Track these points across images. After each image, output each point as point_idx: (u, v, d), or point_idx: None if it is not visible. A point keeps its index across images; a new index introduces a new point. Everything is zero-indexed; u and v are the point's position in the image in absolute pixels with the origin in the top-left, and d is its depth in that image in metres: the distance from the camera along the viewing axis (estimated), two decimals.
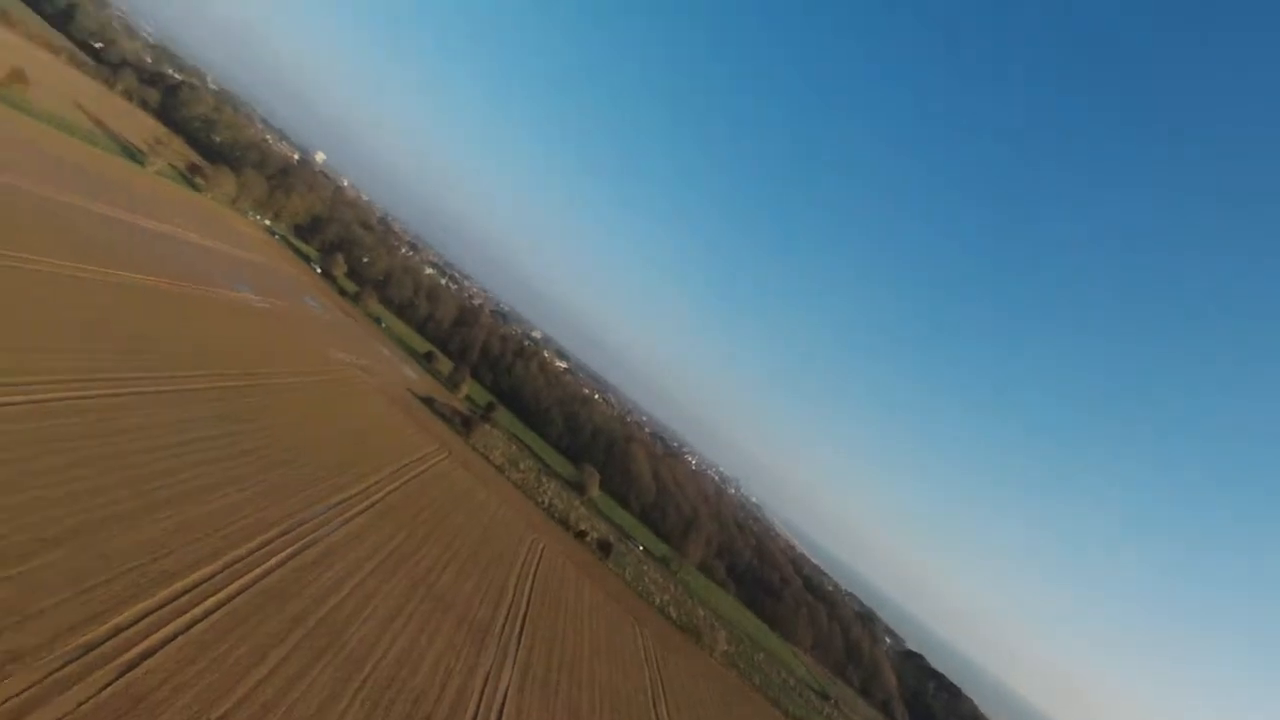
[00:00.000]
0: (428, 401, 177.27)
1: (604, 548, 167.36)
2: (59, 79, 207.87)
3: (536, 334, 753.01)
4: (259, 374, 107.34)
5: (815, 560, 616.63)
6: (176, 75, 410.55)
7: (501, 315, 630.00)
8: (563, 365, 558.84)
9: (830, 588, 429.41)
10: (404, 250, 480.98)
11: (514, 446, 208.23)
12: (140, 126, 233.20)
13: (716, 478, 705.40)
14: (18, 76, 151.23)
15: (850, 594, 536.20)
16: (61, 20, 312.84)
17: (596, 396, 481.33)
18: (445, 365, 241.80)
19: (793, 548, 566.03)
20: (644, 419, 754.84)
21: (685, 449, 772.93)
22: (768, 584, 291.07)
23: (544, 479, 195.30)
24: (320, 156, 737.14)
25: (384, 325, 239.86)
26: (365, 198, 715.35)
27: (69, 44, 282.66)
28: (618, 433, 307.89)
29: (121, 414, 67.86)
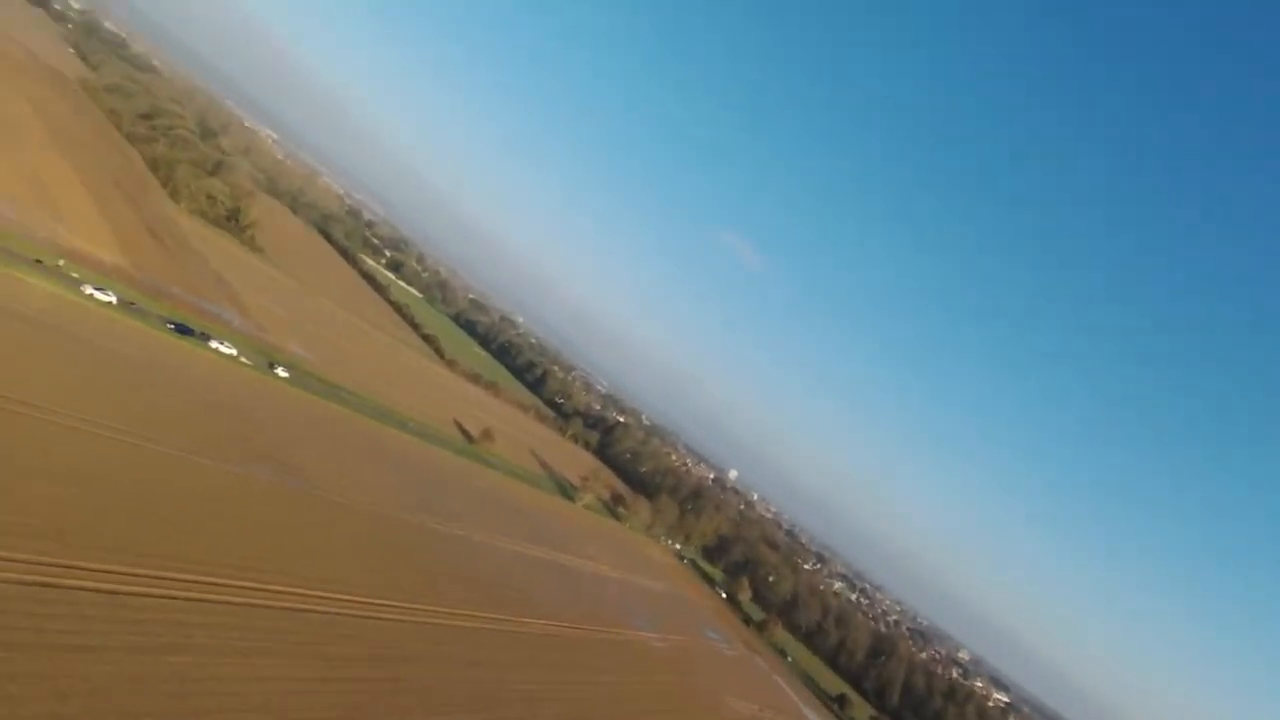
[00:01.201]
0: None
1: None
2: (522, 431, 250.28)
3: (964, 655, 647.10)
4: None
5: None
6: (618, 417, 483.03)
7: (920, 634, 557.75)
8: (1002, 699, 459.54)
9: None
10: (810, 564, 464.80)
11: None
12: (579, 464, 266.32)
13: None
14: (487, 436, 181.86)
15: None
16: (536, 384, 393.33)
17: None
18: (861, 711, 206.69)
19: None
20: None
21: None
22: None
23: None
24: (733, 474, 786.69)
25: (790, 659, 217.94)
26: (772, 510, 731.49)
27: (538, 402, 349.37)
28: None
29: None
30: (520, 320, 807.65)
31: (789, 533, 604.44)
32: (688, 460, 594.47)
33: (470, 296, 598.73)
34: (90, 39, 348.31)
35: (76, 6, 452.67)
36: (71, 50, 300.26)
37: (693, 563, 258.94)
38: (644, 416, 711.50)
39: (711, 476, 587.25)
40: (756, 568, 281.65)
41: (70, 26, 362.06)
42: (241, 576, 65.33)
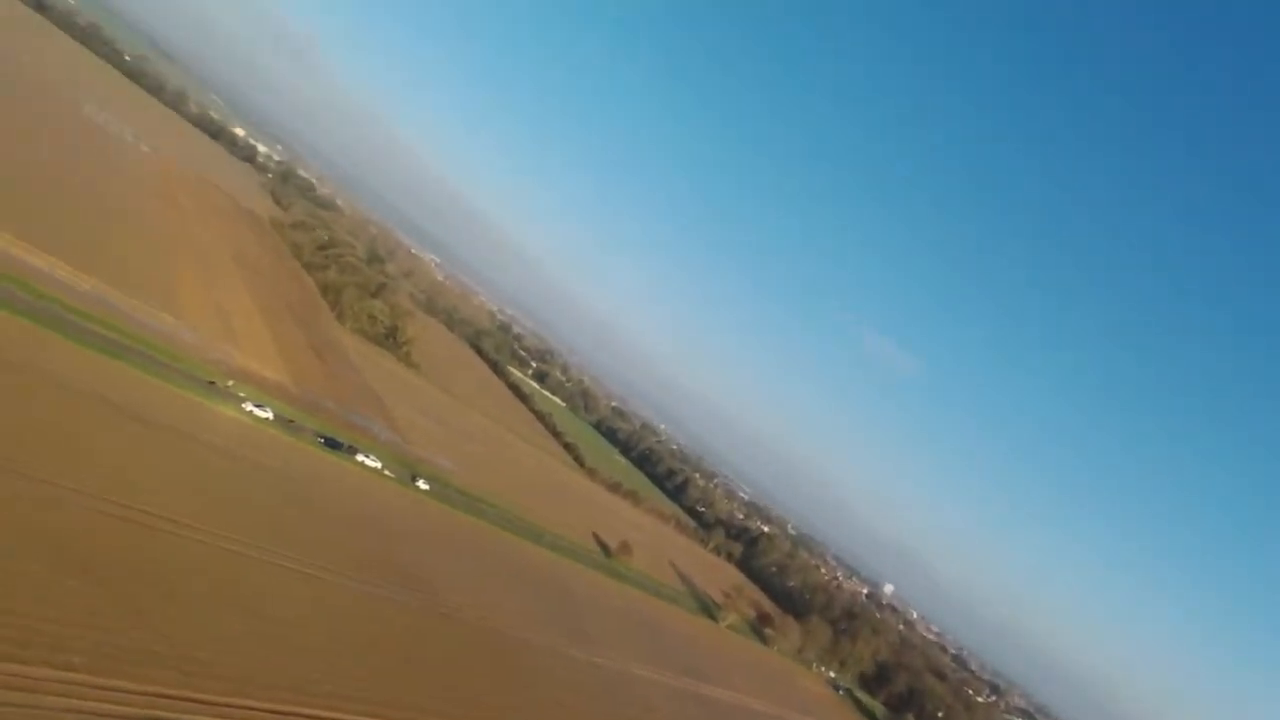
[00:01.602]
0: None
1: None
2: (662, 542, 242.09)
3: None
4: None
5: None
6: (762, 526, 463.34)
7: None
8: None
9: None
10: (984, 696, 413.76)
11: None
12: (722, 578, 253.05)
13: None
14: (624, 549, 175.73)
15: None
16: (676, 492, 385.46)
17: None
18: None
19: None
20: None
21: None
22: None
23: None
24: (889, 588, 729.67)
25: None
26: (935, 630, 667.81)
27: (678, 510, 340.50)
28: None
29: None
30: (662, 427, 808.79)
31: (956, 657, 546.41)
32: (838, 573, 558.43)
33: (612, 404, 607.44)
34: (285, 184, 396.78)
35: (276, 159, 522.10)
36: (269, 195, 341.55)
37: (849, 693, 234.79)
38: (789, 525, 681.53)
39: (865, 592, 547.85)
40: (923, 701, 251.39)
41: (270, 175, 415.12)
42: (362, 710, 61.60)
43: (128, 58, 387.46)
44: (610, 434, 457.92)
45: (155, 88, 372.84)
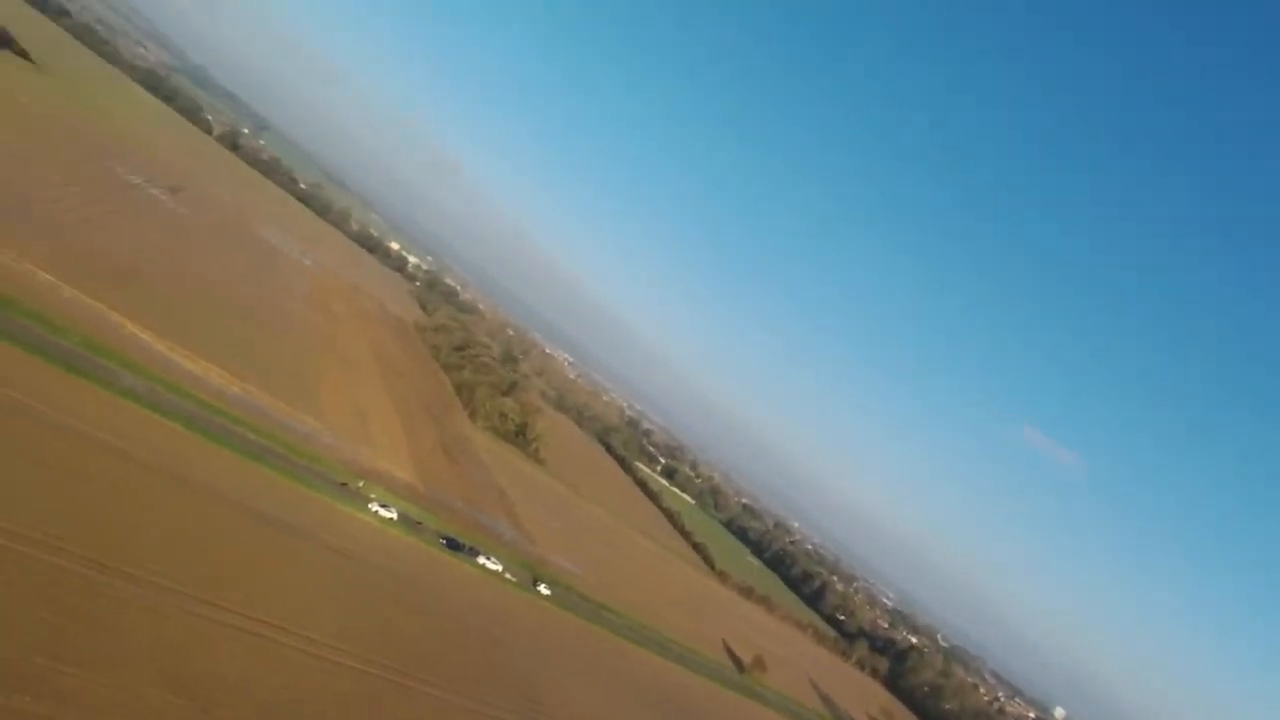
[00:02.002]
0: None
1: None
2: (799, 655, 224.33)
3: None
4: None
5: None
6: (909, 637, 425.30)
7: None
8: None
9: None
10: None
11: None
12: (867, 698, 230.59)
13: None
14: (758, 664, 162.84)
15: None
16: (813, 598, 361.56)
17: None
18: None
19: None
20: None
21: None
22: None
23: None
24: (1060, 712, 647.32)
25: None
26: None
27: (816, 618, 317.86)
28: None
29: None
30: (795, 525, 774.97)
31: None
32: (999, 694, 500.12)
33: (743, 501, 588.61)
34: (430, 291, 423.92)
35: (425, 268, 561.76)
36: (415, 301, 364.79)
37: None
38: (939, 635, 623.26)
39: (1032, 716, 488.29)
40: None
41: (417, 283, 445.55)
42: None
43: (302, 185, 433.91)
44: (741, 533, 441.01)
45: (323, 209, 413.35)
